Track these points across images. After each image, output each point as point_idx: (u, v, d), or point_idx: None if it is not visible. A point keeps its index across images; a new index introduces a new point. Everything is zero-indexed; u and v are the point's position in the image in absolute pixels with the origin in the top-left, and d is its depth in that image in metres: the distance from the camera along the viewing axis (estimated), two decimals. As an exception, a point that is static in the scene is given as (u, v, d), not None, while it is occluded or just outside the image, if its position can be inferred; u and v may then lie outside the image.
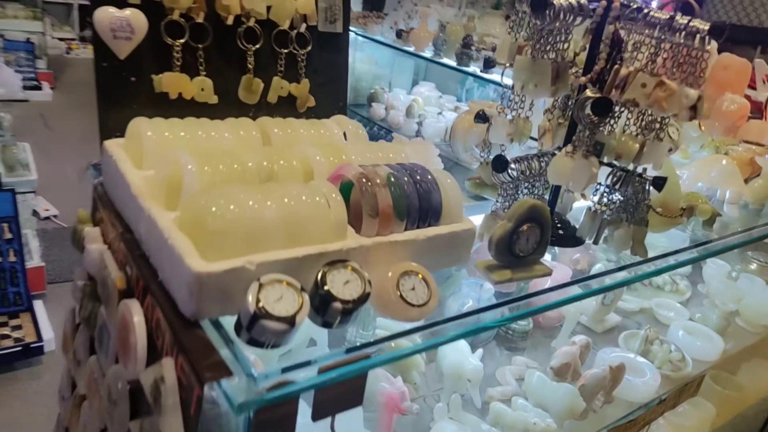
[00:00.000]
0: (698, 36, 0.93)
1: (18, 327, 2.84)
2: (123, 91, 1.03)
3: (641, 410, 1.50)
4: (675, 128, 1.66)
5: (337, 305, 0.71)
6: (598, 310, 1.73)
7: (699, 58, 0.95)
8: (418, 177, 0.91)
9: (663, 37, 0.96)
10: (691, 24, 0.93)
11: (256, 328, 0.66)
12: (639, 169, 1.07)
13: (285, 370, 0.68)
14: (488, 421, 1.30)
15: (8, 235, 2.87)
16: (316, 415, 0.74)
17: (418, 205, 0.89)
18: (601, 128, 1.02)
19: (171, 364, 0.68)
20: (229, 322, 0.72)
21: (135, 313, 0.76)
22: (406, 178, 0.90)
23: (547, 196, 1.17)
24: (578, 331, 1.77)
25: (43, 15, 6.26)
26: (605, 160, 1.09)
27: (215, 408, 0.70)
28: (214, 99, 1.09)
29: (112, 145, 0.96)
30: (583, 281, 1.08)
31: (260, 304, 0.66)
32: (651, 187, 1.19)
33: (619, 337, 1.73)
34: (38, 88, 5.54)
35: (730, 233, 1.38)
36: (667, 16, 0.95)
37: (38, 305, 2.92)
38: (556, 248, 1.79)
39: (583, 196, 1.16)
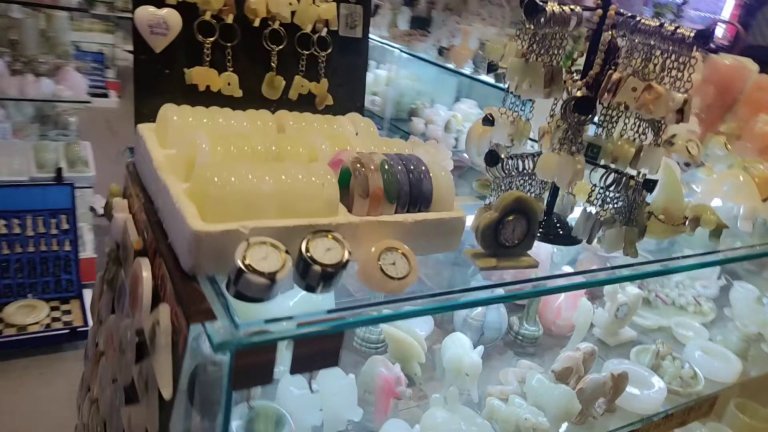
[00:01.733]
0: (685, 42, 0.97)
1: (68, 312, 3.04)
2: (157, 81, 1.15)
3: (643, 422, 1.50)
4: (695, 144, 1.67)
5: (317, 268, 0.79)
6: (611, 323, 1.74)
7: (686, 64, 0.99)
8: (412, 166, 0.99)
9: (653, 43, 1.01)
10: (678, 31, 0.97)
11: (242, 282, 0.75)
12: (636, 174, 1.11)
13: (267, 322, 0.76)
14: (483, 415, 1.34)
15: (65, 226, 3.09)
16: (294, 369, 0.81)
17: (409, 190, 0.97)
18: (587, 127, 1.07)
19: (167, 310, 0.77)
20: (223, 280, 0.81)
21: (145, 269, 0.86)
22: (399, 167, 0.97)
23: (546, 197, 1.22)
24: (591, 343, 1.78)
25: (115, 29, 6.69)
26: (602, 162, 1.14)
27: (204, 356, 0.79)
28: (238, 93, 1.20)
29: (144, 128, 1.08)
30: (568, 276, 1.12)
31: (246, 261, 0.74)
32: (651, 195, 1.24)
33: (631, 351, 1.73)
34: (105, 95, 5.92)
35: (731, 248, 1.38)
36: (657, 24, 1.00)
37: (87, 293, 3.12)
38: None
39: (573, 195, 1.19)
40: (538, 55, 1.02)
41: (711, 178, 1.58)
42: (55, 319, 3.00)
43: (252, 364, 0.76)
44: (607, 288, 1.70)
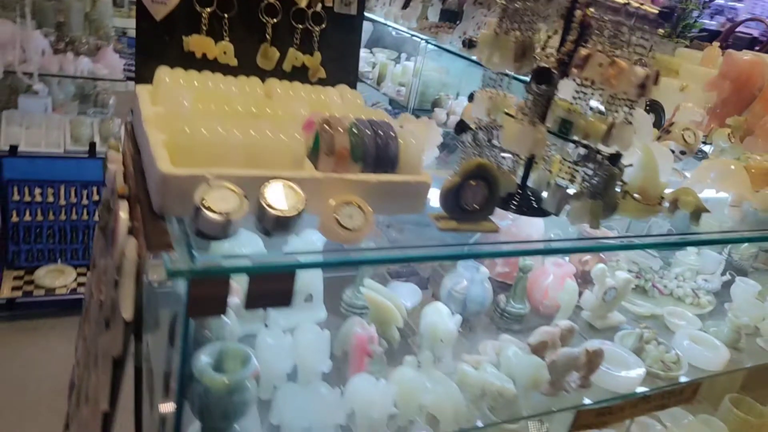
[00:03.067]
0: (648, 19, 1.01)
1: (95, 278, 3.22)
2: (157, 47, 1.24)
3: (617, 400, 1.53)
4: (692, 133, 1.69)
5: (271, 213, 0.86)
6: (599, 306, 1.77)
7: (650, 41, 1.02)
8: (381, 131, 1.05)
9: (621, 20, 1.04)
10: (642, 8, 1.01)
11: (200, 219, 0.82)
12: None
13: (223, 258, 0.84)
14: (454, 379, 1.39)
15: (96, 197, 3.26)
16: (248, 305, 0.89)
17: (375, 152, 1.03)
18: (556, 100, 1.11)
19: (134, 243, 0.86)
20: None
21: (122, 209, 0.95)
22: (368, 130, 1.04)
23: (521, 173, 1.27)
24: (580, 327, 1.81)
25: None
26: (577, 138, 1.18)
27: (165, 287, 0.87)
28: (234, 61, 1.28)
29: (141, 88, 1.17)
30: (525, 243, 1.16)
31: (204, 200, 0.82)
32: (629, 174, 1.27)
33: (616, 334, 1.75)
34: (147, 78, 6.13)
35: (703, 231, 1.39)
36: (624, 1, 1.03)
37: (114, 261, 3.28)
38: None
39: (549, 171, 1.23)
40: (510, 29, 1.07)
41: (701, 165, 1.59)
42: (81, 284, 3.17)
43: (207, 295, 0.84)
44: (594, 270, 1.73)
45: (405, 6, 4.41)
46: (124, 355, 0.89)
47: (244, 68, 1.30)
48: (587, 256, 1.87)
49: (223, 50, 1.27)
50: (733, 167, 1.54)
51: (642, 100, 1.07)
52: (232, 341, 1.16)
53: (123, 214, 0.94)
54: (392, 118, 1.30)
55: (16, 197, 3.13)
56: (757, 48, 2.96)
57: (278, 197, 0.88)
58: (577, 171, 1.17)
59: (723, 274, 2.20)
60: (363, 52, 4.97)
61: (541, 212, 1.24)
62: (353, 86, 1.42)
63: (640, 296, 2.03)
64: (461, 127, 1.11)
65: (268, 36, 1.30)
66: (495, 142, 1.19)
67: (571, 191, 1.19)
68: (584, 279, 1.85)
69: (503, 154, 1.21)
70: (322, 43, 1.37)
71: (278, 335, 1.27)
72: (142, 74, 1.22)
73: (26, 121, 3.29)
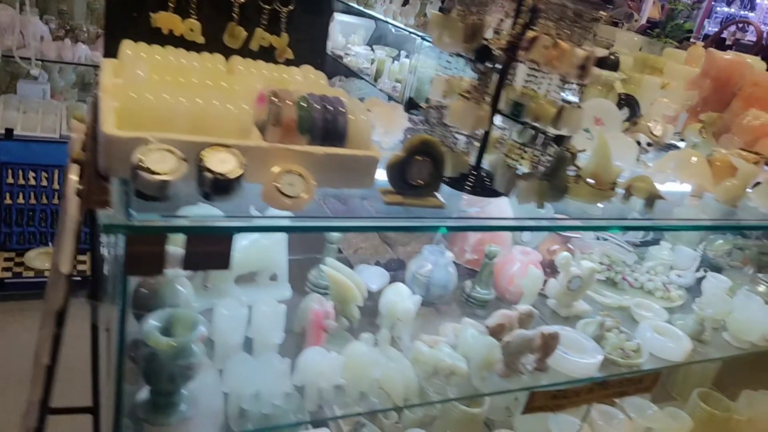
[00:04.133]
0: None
1: (83, 262, 3.25)
2: (125, 23, 1.28)
3: (572, 384, 1.55)
4: (659, 125, 1.71)
5: (209, 175, 0.90)
6: (564, 294, 1.79)
7: (591, 23, 1.05)
8: (330, 105, 1.08)
9: (565, 3, 1.07)
10: (583, -7, 1.04)
11: (138, 180, 0.86)
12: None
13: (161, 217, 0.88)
14: (409, 357, 1.42)
15: (89, 181, 3.30)
16: (186, 266, 0.92)
17: (323, 126, 1.06)
18: (514, 84, 1.14)
19: (76, 201, 0.90)
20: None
21: (72, 172, 0.99)
22: (317, 105, 1.07)
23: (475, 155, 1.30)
24: (545, 315, 1.84)
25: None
26: (527, 121, 1.21)
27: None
28: (200, 39, 1.33)
29: (106, 62, 1.21)
30: (476, 220, 1.19)
31: (141, 160, 0.86)
32: (582, 160, 1.30)
33: (579, 323, 1.78)
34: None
35: (652, 218, 1.41)
36: (567, -14, 1.06)
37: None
38: (523, 235, 1.90)
39: (505, 155, 1.25)
40: (461, 11, 1.10)
41: (664, 156, 1.62)
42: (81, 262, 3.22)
43: (144, 253, 0.88)
44: (559, 258, 1.76)
45: (405, 3, 4.45)
46: (64, 309, 0.93)
47: (211, 46, 1.33)
48: (555, 246, 1.90)
49: (190, 27, 1.31)
50: (694, 159, 1.57)
51: (582, 81, 1.09)
52: (184, 309, 1.20)
53: (72, 176, 0.98)
54: (357, 100, 1.33)
55: (10, 180, 3.19)
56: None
57: (217, 161, 0.91)
58: (526, 152, 1.20)
59: (698, 270, 2.22)
60: (363, 49, 5.02)
61: (493, 192, 1.27)
62: (321, 68, 1.45)
63: (609, 288, 2.05)
64: (411, 104, 1.14)
65: (234, 15, 1.34)
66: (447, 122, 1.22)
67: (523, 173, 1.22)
68: (552, 268, 1.88)
69: (457, 135, 1.24)
70: (290, 25, 1.41)
71: (234, 306, 1.30)
72: (110, 49, 1.26)
73: (24, 105, 3.35)
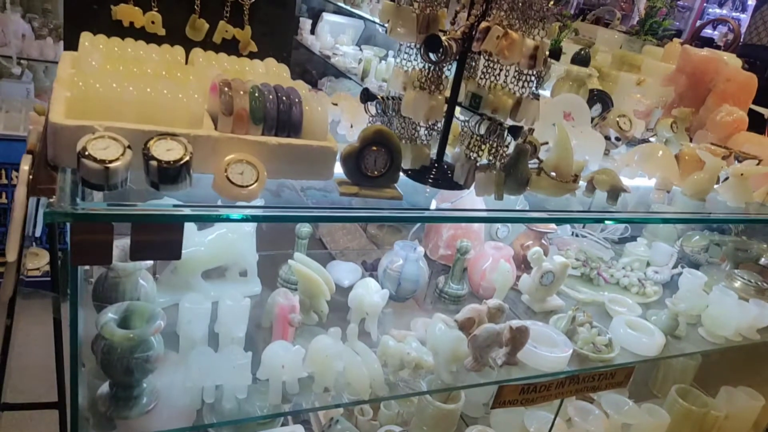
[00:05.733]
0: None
1: (68, 261, 3.27)
2: (85, 16, 1.28)
3: (542, 378, 1.55)
4: (627, 120, 1.71)
5: (154, 164, 0.89)
6: (536, 290, 1.79)
7: (541, 13, 1.05)
8: (284, 96, 1.08)
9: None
10: (534, -18, 1.04)
11: (81, 168, 0.86)
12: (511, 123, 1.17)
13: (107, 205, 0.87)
14: (377, 351, 1.42)
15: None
16: (133, 255, 0.92)
17: (277, 116, 1.06)
18: (477, 75, 1.14)
19: (23, 191, 0.89)
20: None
21: (24, 162, 0.98)
22: (270, 96, 1.07)
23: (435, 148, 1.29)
24: (519, 310, 1.84)
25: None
26: (486, 112, 1.20)
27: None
28: (162, 31, 1.32)
29: (65, 54, 1.20)
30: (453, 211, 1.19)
31: (86, 149, 0.85)
32: (539, 152, 1.30)
33: (551, 318, 1.77)
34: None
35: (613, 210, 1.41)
36: (519, -24, 1.06)
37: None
38: (508, 225, 1.90)
39: (467, 148, 1.25)
40: (418, 2, 1.10)
41: (631, 150, 1.62)
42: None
43: (90, 242, 0.87)
44: (530, 253, 1.75)
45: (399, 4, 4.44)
46: (13, 299, 0.93)
47: (172, 38, 1.33)
48: (529, 241, 1.90)
49: (151, 20, 1.30)
50: (660, 152, 1.57)
51: (534, 71, 1.09)
52: (144, 302, 1.19)
53: (24, 165, 0.97)
54: (321, 92, 1.33)
55: (-8, 179, 3.17)
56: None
57: (163, 150, 0.91)
58: (486, 145, 1.20)
59: (675, 266, 2.22)
60: (351, 49, 5.02)
61: (453, 185, 1.27)
62: (286, 61, 1.45)
63: (585, 284, 2.05)
64: (366, 95, 1.14)
65: (196, 8, 1.34)
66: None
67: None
68: (527, 264, 1.87)
69: (417, 127, 1.24)
70: (254, 18, 1.40)
71: (198, 300, 1.30)
72: (70, 41, 1.26)
73: (6, 105, 3.34)
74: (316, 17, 5.30)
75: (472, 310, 1.52)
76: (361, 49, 5.01)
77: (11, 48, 3.09)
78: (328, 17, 5.22)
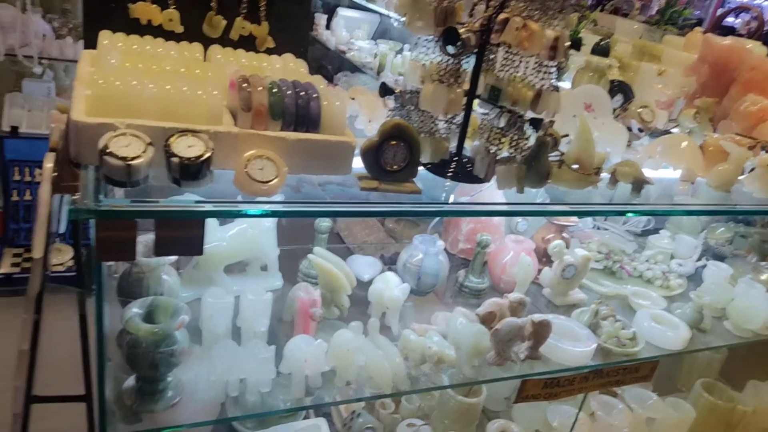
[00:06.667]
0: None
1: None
2: (104, 14, 1.29)
3: (565, 372, 1.53)
4: (650, 111, 1.69)
5: (176, 160, 0.90)
6: (558, 283, 1.78)
7: (561, 4, 1.03)
8: (302, 91, 1.08)
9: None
10: (555, -28, 1.02)
11: (104, 165, 0.86)
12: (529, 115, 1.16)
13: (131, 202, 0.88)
14: (398, 345, 1.42)
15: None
16: (157, 251, 0.93)
17: (295, 111, 1.06)
18: (493, 67, 1.13)
19: (48, 188, 0.90)
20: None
21: (48, 160, 0.99)
22: (289, 91, 1.07)
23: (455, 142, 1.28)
24: (541, 304, 1.82)
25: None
26: (505, 105, 1.19)
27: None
28: (180, 29, 1.33)
29: (85, 53, 1.22)
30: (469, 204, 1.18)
31: (108, 146, 0.86)
32: (566, 146, 1.28)
33: (574, 311, 1.76)
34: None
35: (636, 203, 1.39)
36: (539, -34, 1.04)
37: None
38: (528, 218, 1.88)
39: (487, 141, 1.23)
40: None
41: (653, 141, 1.59)
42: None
43: (114, 238, 0.88)
44: (551, 247, 1.74)
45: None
46: (41, 294, 0.94)
47: (189, 36, 1.33)
48: (550, 234, 1.88)
49: (169, 17, 1.31)
50: (684, 143, 1.54)
51: (555, 62, 1.08)
52: (168, 297, 1.20)
53: (47, 163, 0.98)
54: (336, 87, 1.33)
55: (17, 177, 3.22)
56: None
57: (184, 147, 0.91)
58: (506, 137, 1.19)
59: (700, 259, 2.19)
60: (367, 44, 5.01)
61: (473, 178, 1.26)
62: (303, 56, 1.44)
63: (608, 277, 2.03)
64: (385, 89, 1.13)
65: (213, 5, 1.34)
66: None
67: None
68: (548, 257, 1.86)
69: (436, 121, 1.23)
70: (270, 14, 1.40)
71: (220, 295, 1.31)
72: (90, 40, 1.27)
73: (29, 104, 3.39)
74: (330, 12, 5.30)
75: (494, 304, 1.51)
76: (376, 44, 4.99)
77: (33, 48, 3.13)
78: (343, 12, 5.21)
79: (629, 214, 2.09)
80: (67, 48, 3.31)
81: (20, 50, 3.10)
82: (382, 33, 5.41)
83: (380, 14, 4.99)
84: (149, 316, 1.13)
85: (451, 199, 1.35)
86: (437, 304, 1.74)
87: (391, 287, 1.48)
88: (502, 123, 1.19)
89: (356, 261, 1.75)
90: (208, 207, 0.93)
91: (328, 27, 5.22)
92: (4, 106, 3.34)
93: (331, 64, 5.47)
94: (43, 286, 0.97)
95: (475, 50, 1.14)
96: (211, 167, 0.94)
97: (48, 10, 3.60)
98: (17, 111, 3.30)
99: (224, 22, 1.35)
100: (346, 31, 5.11)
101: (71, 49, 3.31)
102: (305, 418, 1.92)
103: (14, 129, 3.16)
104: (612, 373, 1.64)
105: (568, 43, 1.12)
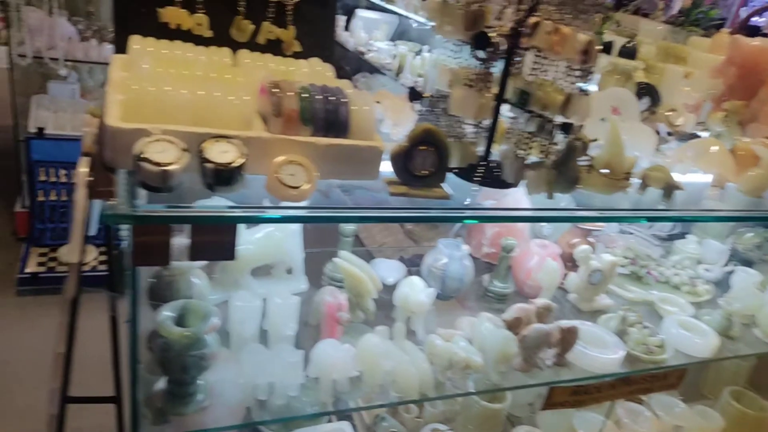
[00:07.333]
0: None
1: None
2: (134, 18, 1.30)
3: (593, 380, 1.52)
4: (679, 115, 1.66)
5: (210, 166, 0.90)
6: (585, 289, 1.76)
7: (593, 7, 1.02)
8: (331, 96, 1.08)
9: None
10: (588, -25, 1.01)
11: (140, 170, 0.87)
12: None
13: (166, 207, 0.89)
14: (425, 350, 1.41)
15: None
16: (193, 256, 0.93)
17: (324, 116, 1.06)
18: (520, 71, 1.12)
19: (84, 192, 0.91)
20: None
21: (82, 165, 1.00)
22: (319, 96, 1.07)
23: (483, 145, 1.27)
24: (566, 310, 1.80)
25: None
26: (534, 109, 1.18)
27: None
28: (208, 33, 1.34)
29: (115, 57, 1.23)
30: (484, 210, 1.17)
31: (143, 152, 0.87)
32: (595, 150, 1.27)
33: (601, 317, 1.74)
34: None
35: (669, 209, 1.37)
36: (573, -30, 1.03)
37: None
38: (542, 228, 1.86)
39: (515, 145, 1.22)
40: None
41: (683, 145, 1.57)
42: (102, 263, 3.30)
43: (149, 244, 0.89)
44: (577, 252, 1.72)
45: (427, -3, 4.41)
46: (77, 298, 0.95)
47: (219, 40, 1.34)
48: (576, 239, 1.86)
49: (198, 22, 1.32)
50: (715, 147, 1.51)
51: (587, 66, 1.06)
52: (198, 300, 1.21)
53: (82, 168, 0.99)
54: (363, 91, 1.32)
55: (42, 178, 3.27)
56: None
57: (218, 152, 0.92)
58: (535, 142, 1.18)
59: (727, 264, 2.15)
60: (386, 45, 5.01)
61: (502, 183, 1.25)
62: (328, 60, 1.44)
63: (634, 283, 2.00)
64: (414, 94, 1.13)
65: (241, 9, 1.35)
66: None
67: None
68: (573, 262, 1.84)
69: (465, 125, 1.22)
70: (297, 18, 1.41)
71: (248, 298, 1.31)
72: (120, 45, 1.28)
73: (54, 105, 3.44)
74: (349, 14, 5.31)
75: (520, 309, 1.50)
76: (395, 45, 4.99)
77: (59, 51, 3.17)
78: (361, 13, 5.22)
79: (661, 221, 2.06)
80: (91, 50, 3.35)
81: (47, 53, 3.15)
82: (400, 34, 5.41)
83: (399, 15, 4.99)
84: (181, 320, 1.14)
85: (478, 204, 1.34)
86: (460, 309, 1.73)
87: (416, 291, 1.48)
88: (532, 127, 1.17)
89: (380, 264, 1.75)
90: (243, 212, 0.93)
91: (346, 28, 5.23)
92: (31, 108, 3.40)
93: (350, 65, 5.48)
94: (79, 290, 0.97)
95: (505, 54, 1.13)
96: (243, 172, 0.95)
97: (73, 12, 3.64)
98: (43, 113, 3.36)
99: (252, 27, 1.36)
100: (364, 33, 5.12)
101: (95, 51, 3.35)
102: (328, 421, 1.92)
103: (40, 130, 3.20)
104: (639, 380, 1.62)
105: (599, 47, 1.11)
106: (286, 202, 0.98)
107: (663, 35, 2.78)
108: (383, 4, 4.85)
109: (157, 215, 0.86)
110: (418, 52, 4.78)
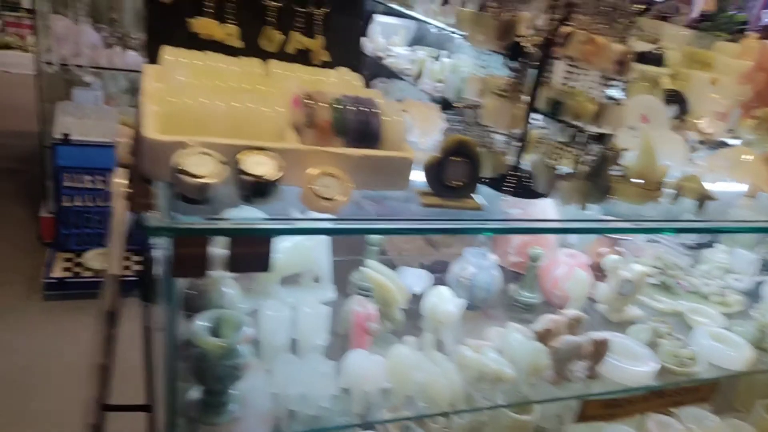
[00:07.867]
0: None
1: (139, 263, 3.37)
2: (165, 29, 1.30)
3: (625, 393, 1.49)
4: (709, 121, 1.64)
5: (247, 178, 0.90)
6: (615, 299, 1.73)
7: (628, 17, 1.01)
8: (363, 106, 1.07)
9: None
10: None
11: (179, 183, 0.87)
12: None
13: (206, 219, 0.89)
14: (454, 361, 1.40)
15: (140, 186, 3.40)
16: (231, 268, 0.93)
17: (357, 127, 1.05)
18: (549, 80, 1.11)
19: (123, 204, 0.91)
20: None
21: (119, 176, 1.01)
22: (351, 107, 1.06)
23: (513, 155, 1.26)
24: (594, 320, 1.78)
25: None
26: (566, 119, 1.17)
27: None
28: (239, 43, 1.34)
29: (147, 67, 1.23)
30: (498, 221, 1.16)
31: (180, 164, 0.87)
32: (628, 160, 1.25)
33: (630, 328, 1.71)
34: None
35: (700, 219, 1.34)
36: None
37: (155, 248, 3.44)
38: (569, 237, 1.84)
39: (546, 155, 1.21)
40: (491, 7, 1.08)
41: (715, 154, 1.54)
42: (126, 268, 3.32)
43: (188, 255, 0.89)
44: (606, 262, 1.70)
45: (444, 2, 4.40)
46: (114, 309, 0.95)
47: (249, 50, 1.34)
48: (604, 248, 1.84)
49: (228, 32, 1.32)
50: (748, 157, 1.49)
51: (622, 77, 1.05)
52: (231, 310, 1.21)
53: (119, 180, 1.00)
54: (392, 101, 1.32)
55: (67, 183, 3.31)
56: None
57: (255, 164, 0.92)
58: (567, 152, 1.16)
59: (759, 273, 2.11)
60: (404, 50, 5.01)
61: (533, 193, 1.23)
62: (357, 69, 1.44)
63: (663, 293, 1.97)
64: (445, 104, 1.12)
65: (270, 19, 1.35)
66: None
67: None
68: (601, 272, 1.82)
69: (494, 135, 1.22)
70: (325, 27, 1.41)
71: (277, 308, 1.31)
72: (151, 55, 1.29)
73: (79, 112, 3.49)
74: (367, 19, 5.32)
75: (551, 320, 1.48)
76: (413, 50, 4.99)
77: (84, 58, 3.22)
78: (379, 19, 5.23)
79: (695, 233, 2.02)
80: (115, 57, 3.40)
81: (72, 60, 3.20)
82: (418, 39, 5.40)
83: (417, 20, 4.99)
84: (214, 330, 1.14)
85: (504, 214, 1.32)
86: (485, 318, 1.72)
87: (445, 302, 1.47)
88: (563, 137, 1.16)
89: (405, 273, 1.74)
90: (284, 224, 0.93)
91: (364, 33, 5.25)
92: (56, 115, 3.45)
93: (368, 71, 5.49)
94: (116, 302, 0.98)
95: (537, 63, 1.12)
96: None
97: (96, 20, 3.69)
98: (68, 119, 3.40)
99: (281, 37, 1.36)
100: (383, 38, 5.12)
101: (119, 58, 3.40)
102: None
103: (66, 136, 3.25)
104: (671, 393, 1.59)
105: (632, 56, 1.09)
106: (319, 214, 0.98)
107: (687, 40, 2.75)
108: (401, 9, 4.85)
109: (199, 227, 0.86)
110: (437, 58, 4.77)
